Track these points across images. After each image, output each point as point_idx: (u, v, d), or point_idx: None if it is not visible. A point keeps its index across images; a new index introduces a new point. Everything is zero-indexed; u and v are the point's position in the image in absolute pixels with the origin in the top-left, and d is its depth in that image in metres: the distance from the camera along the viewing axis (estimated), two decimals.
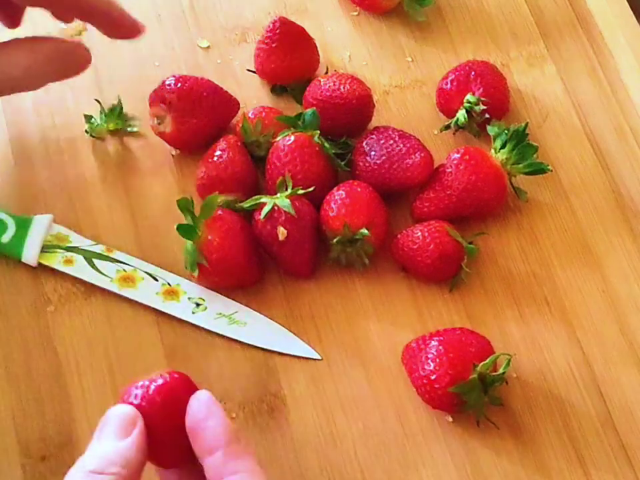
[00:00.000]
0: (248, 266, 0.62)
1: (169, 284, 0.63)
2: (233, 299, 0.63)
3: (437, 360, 0.57)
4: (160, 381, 0.48)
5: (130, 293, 0.62)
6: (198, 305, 0.62)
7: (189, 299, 0.62)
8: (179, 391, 0.48)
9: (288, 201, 0.60)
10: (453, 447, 0.59)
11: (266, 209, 0.61)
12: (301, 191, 0.61)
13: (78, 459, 0.46)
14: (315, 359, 0.62)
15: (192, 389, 0.49)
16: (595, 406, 0.61)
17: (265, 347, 0.62)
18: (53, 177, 0.67)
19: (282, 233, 0.59)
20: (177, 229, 0.59)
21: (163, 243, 0.65)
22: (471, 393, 0.57)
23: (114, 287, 0.62)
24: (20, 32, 0.58)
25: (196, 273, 0.60)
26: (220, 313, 0.62)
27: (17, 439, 0.59)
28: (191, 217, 0.60)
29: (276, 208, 0.61)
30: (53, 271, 0.63)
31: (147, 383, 0.48)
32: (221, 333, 0.62)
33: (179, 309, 0.62)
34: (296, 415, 0.60)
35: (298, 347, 0.62)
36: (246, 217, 0.63)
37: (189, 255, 0.60)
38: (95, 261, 0.63)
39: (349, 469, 0.59)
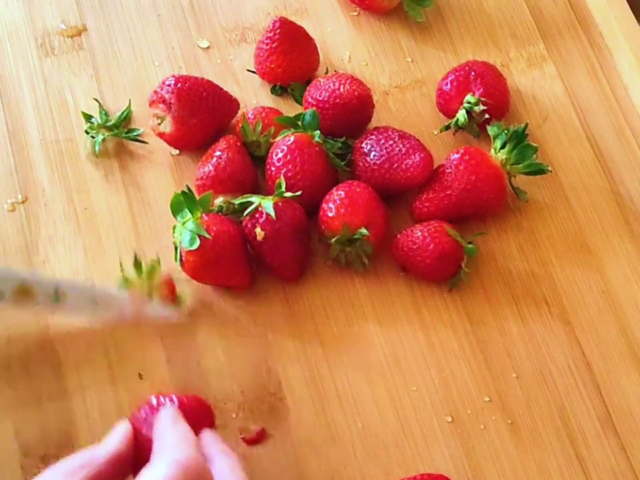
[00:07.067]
0: (243, 252, 0.62)
1: None
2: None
3: None
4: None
5: None
6: None
7: None
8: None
9: (271, 202, 0.61)
10: (453, 447, 0.59)
11: (250, 209, 0.61)
12: (288, 194, 0.61)
13: None
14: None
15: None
16: (595, 406, 0.61)
17: None
18: (53, 176, 0.67)
19: (259, 233, 0.61)
20: (175, 199, 0.60)
21: (163, 242, 0.65)
22: None
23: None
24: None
25: (196, 245, 0.59)
26: None
27: (17, 439, 0.59)
28: (191, 199, 0.60)
29: (259, 209, 0.61)
30: (53, 271, 0.63)
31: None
32: None
33: None
34: (296, 415, 0.60)
35: None
36: None
37: (189, 232, 0.59)
38: None
39: (348, 469, 0.59)
